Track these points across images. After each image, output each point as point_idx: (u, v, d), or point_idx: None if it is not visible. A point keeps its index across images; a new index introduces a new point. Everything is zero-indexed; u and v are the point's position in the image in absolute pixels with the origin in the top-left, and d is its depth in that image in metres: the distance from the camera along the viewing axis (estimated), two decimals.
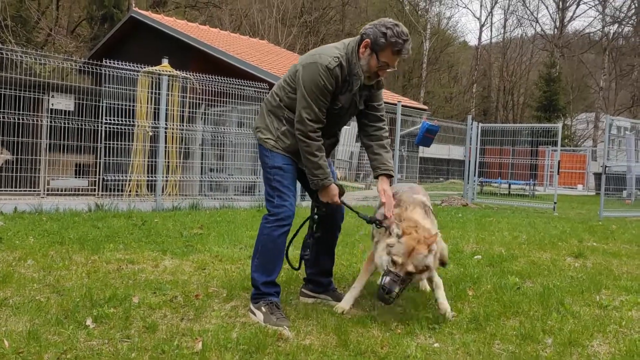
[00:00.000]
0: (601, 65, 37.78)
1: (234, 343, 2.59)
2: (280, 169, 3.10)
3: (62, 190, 8.46)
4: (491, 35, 67.89)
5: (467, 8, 62.69)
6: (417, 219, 3.07)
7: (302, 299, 3.43)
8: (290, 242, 3.29)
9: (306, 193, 3.41)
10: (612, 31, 37.90)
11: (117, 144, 8.53)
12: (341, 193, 3.16)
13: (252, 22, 30.64)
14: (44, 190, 8.28)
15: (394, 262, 2.92)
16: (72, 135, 8.33)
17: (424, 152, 14.87)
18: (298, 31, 31.55)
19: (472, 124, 12.68)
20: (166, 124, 8.67)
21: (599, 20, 39.72)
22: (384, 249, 2.99)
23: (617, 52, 38.31)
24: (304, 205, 8.38)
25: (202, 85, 9.32)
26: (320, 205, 3.18)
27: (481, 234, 6.56)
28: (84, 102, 8.44)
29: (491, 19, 60.73)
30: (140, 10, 16.28)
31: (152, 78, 8.72)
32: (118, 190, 8.64)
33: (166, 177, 8.85)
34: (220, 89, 9.44)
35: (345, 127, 3.45)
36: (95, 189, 8.87)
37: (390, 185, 3.23)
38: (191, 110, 9.28)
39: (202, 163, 9.85)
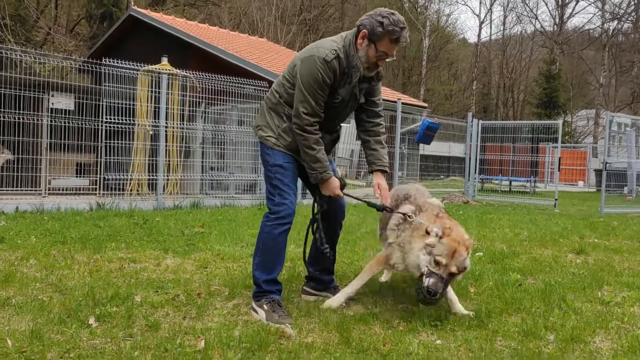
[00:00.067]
0: (601, 61, 37.71)
1: (236, 341, 2.59)
2: (281, 167, 3.11)
3: (63, 190, 8.48)
4: (490, 32, 68.10)
5: (467, 5, 63.17)
6: (448, 222, 3.04)
7: (304, 297, 3.43)
8: (305, 243, 3.31)
9: (307, 191, 3.41)
10: (611, 28, 37.89)
11: (117, 143, 8.53)
12: (342, 186, 3.16)
13: (251, 20, 30.58)
14: (45, 190, 8.29)
15: (437, 263, 2.86)
16: (72, 134, 8.33)
17: (425, 149, 14.86)
18: (297, 29, 31.48)
19: (472, 121, 12.67)
20: (166, 123, 8.67)
21: (599, 16, 39.68)
22: (421, 249, 2.91)
23: (616, 49, 38.23)
24: (304, 203, 8.39)
25: (202, 84, 9.32)
26: (321, 201, 3.18)
27: (482, 231, 6.57)
28: (84, 101, 8.44)
29: (490, 15, 60.88)
30: (139, 9, 16.22)
31: (152, 76, 8.72)
32: (119, 190, 8.64)
33: (167, 176, 8.85)
34: (220, 87, 9.44)
35: (345, 125, 3.45)
36: (96, 188, 8.88)
37: (384, 180, 3.23)
38: (191, 108, 9.29)
39: (202, 162, 9.86)
